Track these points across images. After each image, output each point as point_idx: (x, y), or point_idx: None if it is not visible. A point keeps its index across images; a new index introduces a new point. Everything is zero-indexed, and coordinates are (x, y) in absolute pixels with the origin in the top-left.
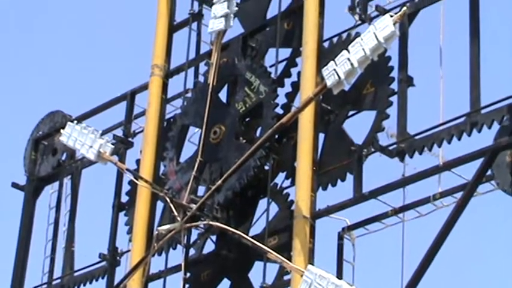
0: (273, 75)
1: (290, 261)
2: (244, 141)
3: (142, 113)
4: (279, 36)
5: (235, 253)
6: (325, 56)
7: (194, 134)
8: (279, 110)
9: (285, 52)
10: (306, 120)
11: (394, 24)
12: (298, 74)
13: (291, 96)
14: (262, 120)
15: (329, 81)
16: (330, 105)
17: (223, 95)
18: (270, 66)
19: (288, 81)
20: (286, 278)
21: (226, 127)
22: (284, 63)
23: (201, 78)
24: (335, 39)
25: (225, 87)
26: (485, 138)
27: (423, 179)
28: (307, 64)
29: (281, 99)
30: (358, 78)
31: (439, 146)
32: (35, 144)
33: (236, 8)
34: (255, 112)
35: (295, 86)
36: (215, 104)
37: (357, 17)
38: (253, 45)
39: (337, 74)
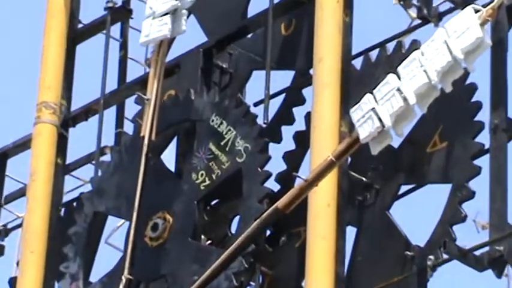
0: (260, 121)
1: None
2: (208, 242)
3: (21, 193)
4: (270, 48)
5: None
6: (356, 84)
7: (117, 230)
8: (271, 185)
9: (283, 77)
10: (322, 203)
11: (482, 25)
12: (307, 117)
13: (293, 159)
14: (242, 203)
15: (363, 131)
16: (365, 175)
17: (169, 158)
18: (256, 104)
19: (288, 131)
20: None
21: (176, 217)
22: (281, 97)
23: (128, 128)
24: (374, 54)
25: (173, 143)
26: None
27: None
28: (322, 99)
29: (276, 165)
30: (418, 126)
31: None
32: None
33: (191, 0)
34: (227, 188)
35: (301, 139)
36: (156, 175)
37: (413, 12)
38: (224, 65)
39: (379, 118)
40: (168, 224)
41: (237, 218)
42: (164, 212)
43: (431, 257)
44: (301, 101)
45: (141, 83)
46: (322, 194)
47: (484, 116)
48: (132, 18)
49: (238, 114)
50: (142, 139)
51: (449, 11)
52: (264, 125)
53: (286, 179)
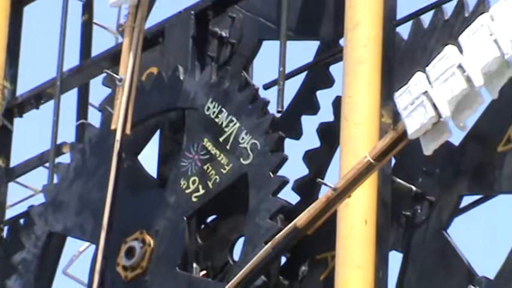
0: (273, 109)
1: None
2: (202, 273)
3: None
4: (286, 10)
5: None
6: (402, 59)
7: (79, 256)
8: (288, 195)
9: (303, 50)
10: (357, 220)
11: None
12: (336, 104)
13: (317, 160)
14: (249, 220)
15: (413, 123)
16: (415, 183)
17: (149, 159)
18: (267, 86)
19: (310, 123)
20: None
21: (159, 239)
22: (301, 77)
23: (94, 118)
24: (426, 19)
25: (155, 139)
26: None
27: None
28: (356, 80)
29: (294, 169)
30: (486, 116)
31: None
32: None
33: None
34: (228, 200)
35: (328, 133)
36: (131, 181)
37: None
38: (224, 33)
39: (433, 105)
40: (148, 248)
41: (241, 241)
42: (143, 232)
43: None
44: (328, 83)
45: (112, 57)
46: (356, 208)
47: None
48: None
49: (243, 100)
50: (114, 134)
51: None
52: (278, 115)
53: (307, 188)
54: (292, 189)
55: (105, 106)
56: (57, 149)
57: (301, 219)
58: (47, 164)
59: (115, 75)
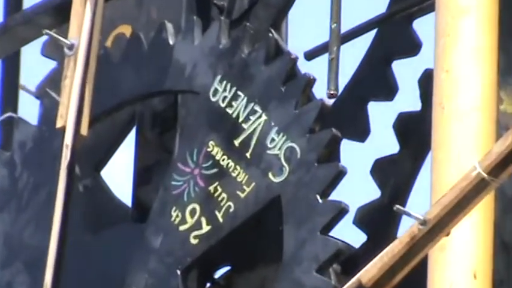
0: (321, 91)
1: None
2: None
3: None
4: None
5: None
6: None
7: None
8: (346, 233)
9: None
10: (461, 272)
11: None
12: (424, 82)
13: (395, 174)
14: (282, 272)
15: None
16: None
17: (120, 178)
18: (310, 56)
19: (381, 112)
20: None
21: None
22: (367, 38)
23: (26, 109)
24: None
25: (128, 143)
26: None
27: None
28: (456, 43)
29: (355, 191)
30: None
31: None
32: None
33: None
34: (247, 243)
35: (412, 130)
36: (90, 215)
37: None
38: None
39: None
40: None
41: None
42: None
43: None
44: (411, 48)
45: (56, 10)
46: (459, 253)
47: None
48: None
49: (273, 78)
50: (61, 135)
51: None
52: (330, 101)
53: (378, 220)
54: (354, 222)
55: (47, 89)
56: None
57: (368, 273)
58: None
59: (62, 39)
